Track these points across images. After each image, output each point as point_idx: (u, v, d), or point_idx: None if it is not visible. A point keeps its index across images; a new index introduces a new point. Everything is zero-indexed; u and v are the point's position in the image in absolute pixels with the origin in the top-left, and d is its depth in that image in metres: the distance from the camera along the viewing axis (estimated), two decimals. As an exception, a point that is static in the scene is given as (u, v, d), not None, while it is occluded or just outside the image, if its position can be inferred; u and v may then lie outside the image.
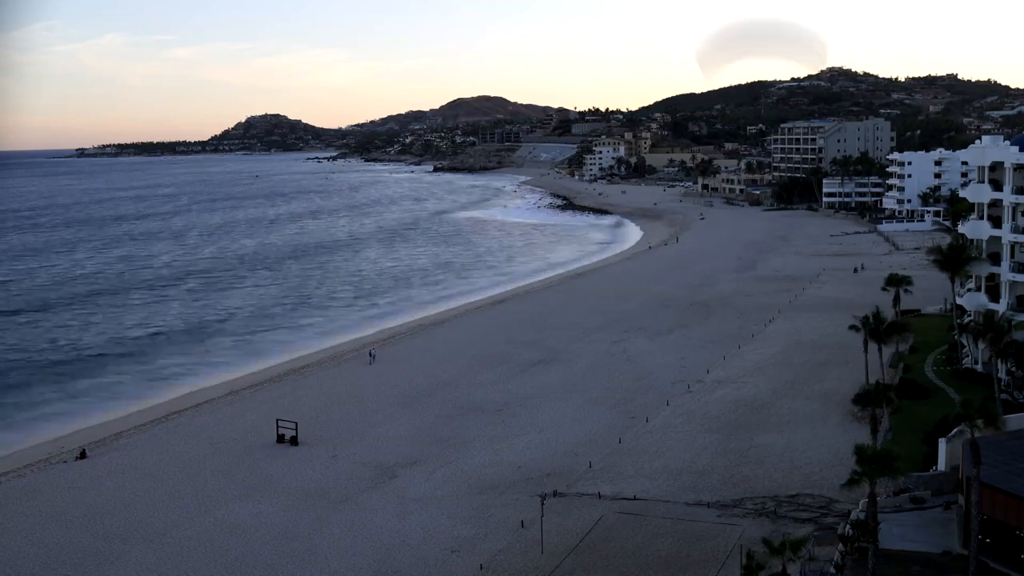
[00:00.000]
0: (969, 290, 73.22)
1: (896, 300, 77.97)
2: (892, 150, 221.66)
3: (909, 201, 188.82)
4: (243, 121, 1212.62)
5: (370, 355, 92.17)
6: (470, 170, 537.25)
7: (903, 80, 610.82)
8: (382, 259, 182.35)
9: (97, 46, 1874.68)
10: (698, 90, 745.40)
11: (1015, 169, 67.83)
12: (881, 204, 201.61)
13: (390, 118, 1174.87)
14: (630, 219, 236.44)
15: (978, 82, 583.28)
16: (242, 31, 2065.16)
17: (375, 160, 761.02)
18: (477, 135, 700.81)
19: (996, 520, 39.05)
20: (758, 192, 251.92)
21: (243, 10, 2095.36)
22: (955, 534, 41.67)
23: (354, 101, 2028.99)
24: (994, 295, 70.32)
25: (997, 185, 70.04)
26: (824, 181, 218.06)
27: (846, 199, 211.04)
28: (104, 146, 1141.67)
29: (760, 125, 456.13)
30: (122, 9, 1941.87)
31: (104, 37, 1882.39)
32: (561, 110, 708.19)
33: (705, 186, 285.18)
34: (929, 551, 40.57)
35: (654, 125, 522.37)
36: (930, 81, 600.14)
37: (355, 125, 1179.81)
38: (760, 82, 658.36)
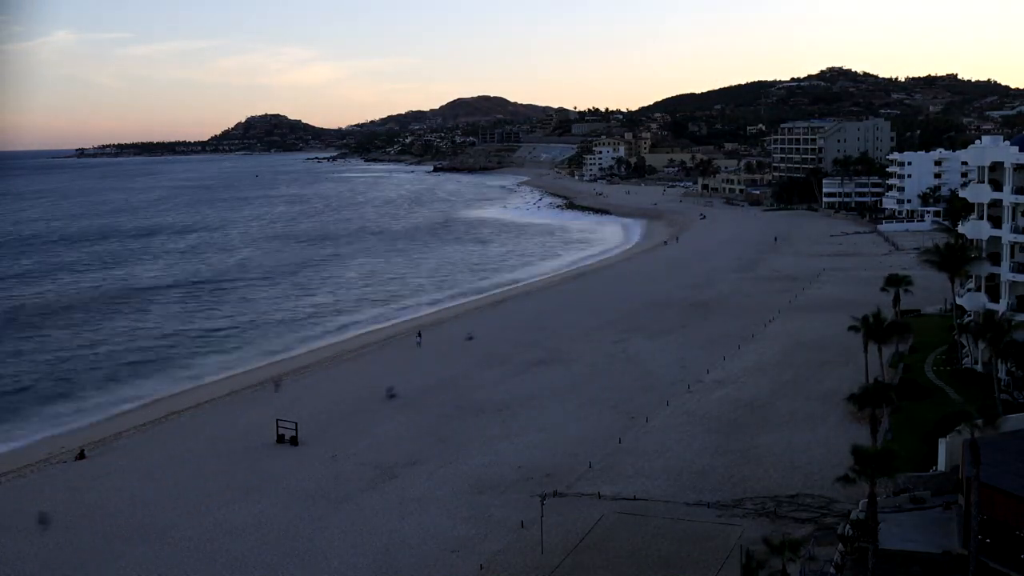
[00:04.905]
0: (969, 290, 73.26)
1: (896, 300, 77.99)
2: (892, 150, 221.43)
3: (909, 201, 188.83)
4: (243, 121, 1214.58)
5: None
6: (470, 170, 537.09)
7: (903, 80, 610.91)
8: (367, 262, 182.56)
9: (50, 44, 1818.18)
10: (698, 90, 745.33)
11: (1015, 169, 67.80)
12: (881, 204, 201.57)
13: (390, 118, 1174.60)
14: (630, 219, 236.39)
15: (978, 82, 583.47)
16: (210, 29, 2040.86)
17: (375, 160, 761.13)
18: (477, 135, 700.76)
19: (996, 520, 39.06)
20: (758, 192, 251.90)
21: (223, 8, 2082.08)
22: (955, 534, 41.67)
23: (354, 101, 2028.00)
24: (994, 295, 70.34)
25: (997, 185, 70.01)
26: (824, 181, 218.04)
27: (846, 199, 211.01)
28: (104, 146, 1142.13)
29: (760, 125, 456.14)
30: (67, 7, 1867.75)
31: (55, 35, 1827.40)
32: (561, 110, 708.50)
33: (705, 186, 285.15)
34: (929, 551, 40.56)
35: (654, 125, 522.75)
36: (930, 81, 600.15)
37: (355, 125, 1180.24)
38: (760, 82, 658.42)
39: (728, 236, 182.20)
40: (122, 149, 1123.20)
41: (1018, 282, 68.18)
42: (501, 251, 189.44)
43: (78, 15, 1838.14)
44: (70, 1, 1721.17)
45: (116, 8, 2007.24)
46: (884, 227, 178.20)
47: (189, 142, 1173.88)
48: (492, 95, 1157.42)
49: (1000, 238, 69.41)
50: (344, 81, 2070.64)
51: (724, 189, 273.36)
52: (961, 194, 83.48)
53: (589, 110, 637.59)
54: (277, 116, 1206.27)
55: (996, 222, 70.12)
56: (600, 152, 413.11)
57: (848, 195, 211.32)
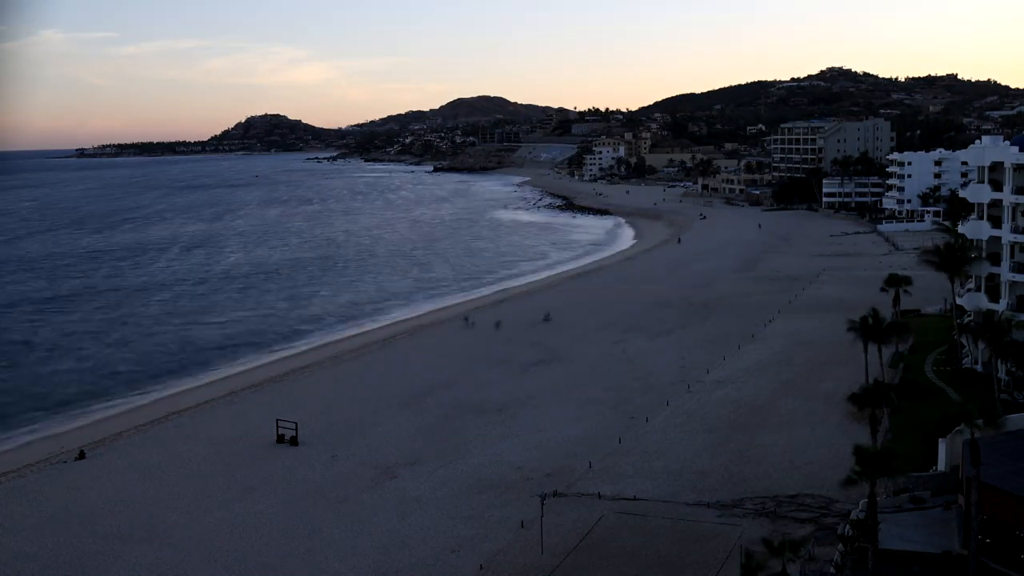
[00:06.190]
0: (969, 290, 73.26)
1: (896, 300, 77.99)
2: (892, 150, 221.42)
3: (909, 201, 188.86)
4: (243, 121, 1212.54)
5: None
6: (470, 170, 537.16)
7: (903, 80, 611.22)
8: (376, 260, 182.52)
9: (38, 43, 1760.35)
10: (698, 90, 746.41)
11: (1015, 169, 67.85)
12: (881, 204, 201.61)
13: (390, 118, 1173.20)
14: (630, 219, 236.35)
15: (978, 82, 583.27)
16: (197, 28, 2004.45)
17: (375, 160, 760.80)
18: (477, 135, 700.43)
19: (996, 520, 39.06)
20: (758, 192, 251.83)
21: (210, 8, 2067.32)
22: (955, 534, 41.65)
23: (354, 101, 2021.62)
24: (994, 295, 70.34)
25: (997, 185, 70.07)
26: (824, 181, 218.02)
27: (846, 199, 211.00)
28: (104, 146, 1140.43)
29: (760, 125, 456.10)
30: (53, 6, 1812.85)
31: (42, 34, 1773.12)
32: (561, 110, 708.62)
33: (705, 186, 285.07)
34: (929, 551, 40.53)
35: (654, 125, 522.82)
36: (930, 81, 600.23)
37: (355, 125, 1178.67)
38: (760, 82, 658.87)
39: (728, 236, 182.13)
40: (122, 149, 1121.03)
41: (1018, 282, 68.22)
42: (501, 251, 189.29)
43: (65, 15, 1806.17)
44: (56, 0, 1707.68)
45: (103, 7, 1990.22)
46: (884, 227, 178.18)
47: (189, 142, 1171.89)
48: (492, 95, 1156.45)
49: (1000, 238, 69.46)
50: (344, 81, 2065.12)
51: (724, 189, 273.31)
52: (961, 194, 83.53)
53: (589, 110, 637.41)
54: (277, 116, 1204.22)
55: (996, 222, 70.16)
56: (600, 152, 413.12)
57: (848, 195, 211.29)
